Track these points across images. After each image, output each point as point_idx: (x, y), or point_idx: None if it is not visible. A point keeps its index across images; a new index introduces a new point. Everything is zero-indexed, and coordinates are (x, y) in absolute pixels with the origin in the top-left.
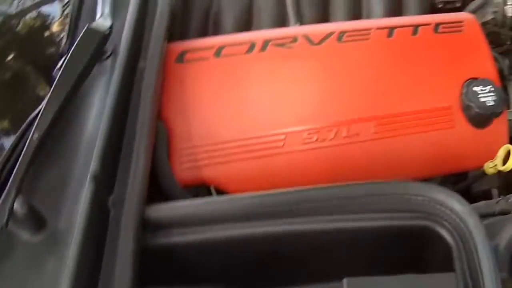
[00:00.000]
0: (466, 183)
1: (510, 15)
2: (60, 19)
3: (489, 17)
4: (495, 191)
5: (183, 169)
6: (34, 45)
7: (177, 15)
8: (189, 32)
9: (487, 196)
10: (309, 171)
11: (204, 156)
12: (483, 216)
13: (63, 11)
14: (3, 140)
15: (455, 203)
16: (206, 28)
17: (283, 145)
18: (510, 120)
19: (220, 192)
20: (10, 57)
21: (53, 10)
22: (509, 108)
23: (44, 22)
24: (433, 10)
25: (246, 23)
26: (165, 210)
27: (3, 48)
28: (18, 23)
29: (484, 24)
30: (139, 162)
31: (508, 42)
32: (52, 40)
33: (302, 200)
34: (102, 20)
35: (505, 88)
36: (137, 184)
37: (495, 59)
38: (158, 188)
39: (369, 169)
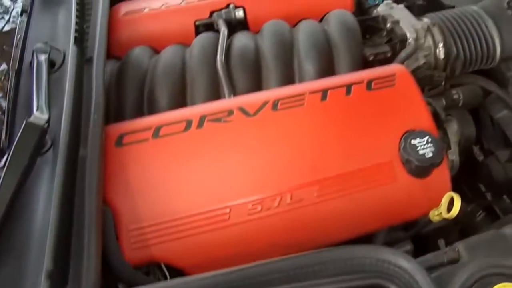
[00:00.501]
0: (416, 229)
1: (442, 57)
2: None
3: (421, 61)
4: (442, 242)
5: (132, 249)
6: None
7: (112, 97)
8: (124, 112)
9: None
10: (257, 240)
11: (151, 235)
12: (433, 267)
13: None
14: None
15: (403, 261)
16: (141, 107)
17: (229, 218)
18: (452, 160)
19: (171, 268)
20: None
21: None
22: (450, 149)
23: None
24: (365, 63)
25: (180, 97)
26: None
27: None
28: None
29: (417, 69)
30: (91, 253)
31: (443, 83)
32: None
33: (258, 275)
34: (40, 113)
35: (444, 131)
36: (91, 276)
37: (430, 104)
38: (110, 269)
39: (317, 231)
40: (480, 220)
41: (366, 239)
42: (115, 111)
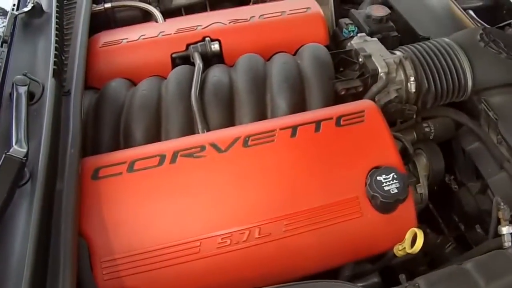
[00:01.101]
0: (382, 263)
1: (413, 91)
2: None
3: (393, 95)
4: (402, 277)
5: (105, 280)
6: None
7: (88, 130)
8: (101, 144)
9: None
10: (225, 273)
11: (124, 267)
12: None
13: None
14: None
15: None
16: (118, 139)
17: (199, 251)
18: (421, 193)
19: None
20: None
21: None
22: (418, 183)
23: None
24: (337, 97)
25: (155, 131)
26: None
27: None
28: None
29: (389, 102)
30: (66, 283)
31: (414, 116)
32: None
33: None
34: (18, 146)
35: (414, 165)
36: None
37: (399, 140)
38: None
39: (283, 264)
40: (449, 251)
41: (334, 272)
42: (92, 143)
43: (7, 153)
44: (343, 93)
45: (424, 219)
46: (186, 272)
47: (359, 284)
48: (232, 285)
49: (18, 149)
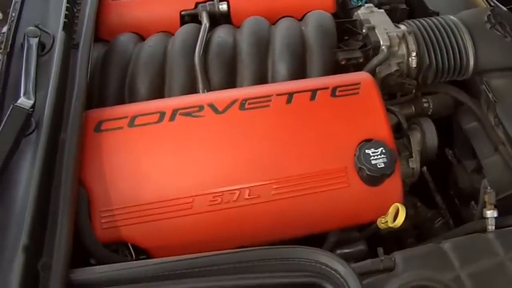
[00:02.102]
0: (367, 232)
1: (414, 66)
2: None
3: (394, 68)
4: (380, 250)
5: (102, 229)
6: None
7: (95, 82)
8: (107, 97)
9: None
10: (215, 229)
11: (120, 217)
12: (370, 273)
13: None
14: None
15: (338, 266)
16: (123, 93)
17: (191, 207)
18: (413, 168)
19: (137, 248)
20: None
21: None
22: (411, 157)
23: None
24: (337, 66)
25: (159, 87)
26: (87, 273)
27: None
28: None
29: (389, 75)
30: (63, 229)
31: (414, 91)
32: None
33: (205, 264)
34: (26, 98)
35: (408, 139)
36: (62, 250)
37: (394, 114)
38: (82, 245)
39: (270, 226)
40: (438, 226)
41: (321, 237)
42: (98, 95)
43: (15, 104)
44: (343, 63)
45: (419, 192)
46: (178, 226)
47: (345, 250)
48: (221, 242)
49: (25, 100)
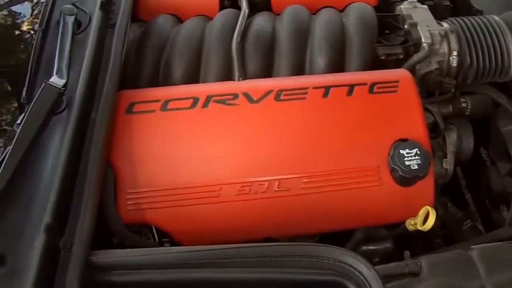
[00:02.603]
0: (395, 231)
1: (454, 65)
2: (30, 19)
3: (434, 66)
4: (407, 253)
5: (127, 210)
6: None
7: (130, 63)
8: (140, 79)
9: None
10: (241, 219)
11: (147, 200)
12: (394, 276)
13: (33, 10)
14: None
15: (363, 268)
16: (157, 76)
17: (219, 195)
18: (446, 169)
19: (160, 231)
20: None
21: (24, 9)
22: (445, 158)
23: (14, 20)
24: (376, 61)
25: (194, 72)
26: (108, 256)
27: None
28: None
29: (429, 73)
30: (87, 209)
31: (452, 90)
32: (21, 38)
33: (228, 256)
34: (59, 76)
35: (443, 139)
36: (85, 230)
37: (431, 113)
38: (106, 225)
39: (297, 220)
40: (466, 228)
41: (347, 232)
42: (132, 76)
43: (47, 82)
44: (383, 58)
45: (451, 192)
46: (204, 213)
47: (370, 247)
48: (245, 232)
49: (58, 79)
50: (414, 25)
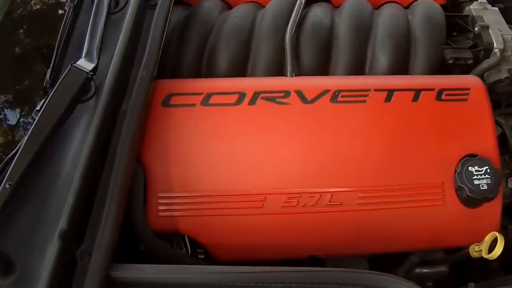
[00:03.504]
0: (454, 258)
1: None
2: None
3: (504, 75)
4: (471, 285)
5: (158, 216)
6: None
7: (171, 49)
8: (182, 67)
9: None
10: (286, 234)
11: (181, 207)
12: None
13: None
14: None
15: None
16: (200, 65)
17: (262, 206)
18: (511, 188)
19: (194, 242)
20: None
21: None
22: (511, 177)
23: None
24: (443, 65)
25: (241, 64)
26: (131, 272)
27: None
28: None
29: (498, 82)
30: (110, 214)
31: None
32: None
33: (272, 280)
34: (87, 59)
35: (510, 155)
36: (106, 239)
37: (500, 126)
38: (133, 231)
39: (348, 239)
40: None
41: (402, 254)
42: (172, 64)
43: (73, 64)
44: (450, 62)
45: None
46: (245, 225)
47: (424, 270)
48: (290, 249)
49: (86, 62)
50: (485, 27)
